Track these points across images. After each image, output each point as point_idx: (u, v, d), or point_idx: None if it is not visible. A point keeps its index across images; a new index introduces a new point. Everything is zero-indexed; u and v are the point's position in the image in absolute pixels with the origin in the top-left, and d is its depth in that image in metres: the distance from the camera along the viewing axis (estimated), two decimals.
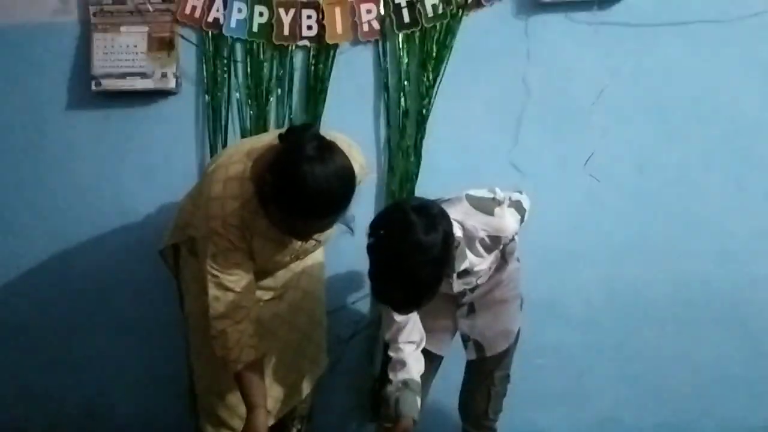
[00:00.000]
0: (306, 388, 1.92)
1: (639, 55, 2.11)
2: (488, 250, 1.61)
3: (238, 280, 1.60)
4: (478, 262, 1.61)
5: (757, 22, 2.02)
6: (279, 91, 2.19)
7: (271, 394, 1.78)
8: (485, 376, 1.82)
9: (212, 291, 1.60)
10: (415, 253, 1.37)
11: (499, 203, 1.58)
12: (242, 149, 1.63)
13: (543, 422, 2.27)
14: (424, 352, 1.73)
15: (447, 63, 2.14)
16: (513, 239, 1.67)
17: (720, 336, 2.22)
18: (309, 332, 1.90)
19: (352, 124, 2.17)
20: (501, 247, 1.64)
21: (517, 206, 1.64)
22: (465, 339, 1.81)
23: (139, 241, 2.22)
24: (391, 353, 1.68)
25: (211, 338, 1.62)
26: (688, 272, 2.21)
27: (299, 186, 1.42)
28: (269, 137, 1.65)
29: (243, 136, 2.18)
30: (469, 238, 1.55)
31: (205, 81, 2.20)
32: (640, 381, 2.26)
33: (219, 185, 1.57)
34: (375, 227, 1.45)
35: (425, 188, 2.11)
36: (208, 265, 1.59)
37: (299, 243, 1.69)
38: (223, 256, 1.58)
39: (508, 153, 2.17)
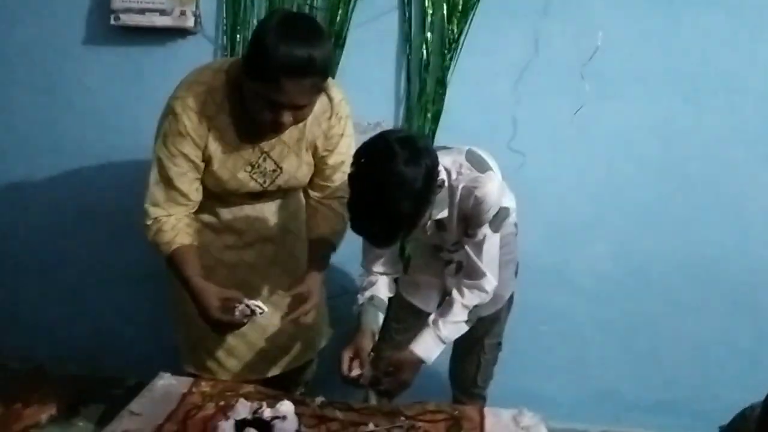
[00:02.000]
0: (304, 355, 1.86)
1: (672, 21, 2.03)
2: (464, 220, 1.55)
3: (181, 172, 1.54)
4: (456, 232, 1.58)
5: None
6: None
7: (260, 350, 1.76)
8: (475, 342, 1.77)
9: (154, 176, 1.56)
10: (395, 184, 1.33)
11: (493, 172, 1.54)
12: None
13: (542, 389, 2.26)
14: (412, 307, 1.72)
15: (473, 18, 2.07)
16: (483, 214, 1.53)
17: (729, 317, 2.19)
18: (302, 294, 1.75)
19: (370, 74, 2.15)
20: (467, 219, 1.54)
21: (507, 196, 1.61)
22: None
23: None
24: (363, 276, 1.68)
25: (143, 226, 1.57)
26: (703, 249, 2.16)
27: (262, 39, 1.37)
28: None
29: None
30: (452, 188, 1.50)
31: (225, 21, 2.16)
32: (644, 356, 2.25)
33: (194, 72, 1.56)
34: (357, 155, 1.41)
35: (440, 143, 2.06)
36: (157, 147, 1.55)
37: (261, 153, 1.59)
38: (173, 140, 1.52)
39: (526, 113, 2.12)
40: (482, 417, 1.55)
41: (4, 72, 2.31)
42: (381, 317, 1.65)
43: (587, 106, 2.08)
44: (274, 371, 1.81)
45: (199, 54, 2.15)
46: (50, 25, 2.24)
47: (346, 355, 1.58)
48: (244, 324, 1.52)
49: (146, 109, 2.18)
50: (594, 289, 2.22)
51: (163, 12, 2.13)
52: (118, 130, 2.27)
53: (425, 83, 2.13)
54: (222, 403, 1.55)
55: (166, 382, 1.66)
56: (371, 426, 1.49)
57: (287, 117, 1.44)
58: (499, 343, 1.84)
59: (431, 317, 1.61)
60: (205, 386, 1.64)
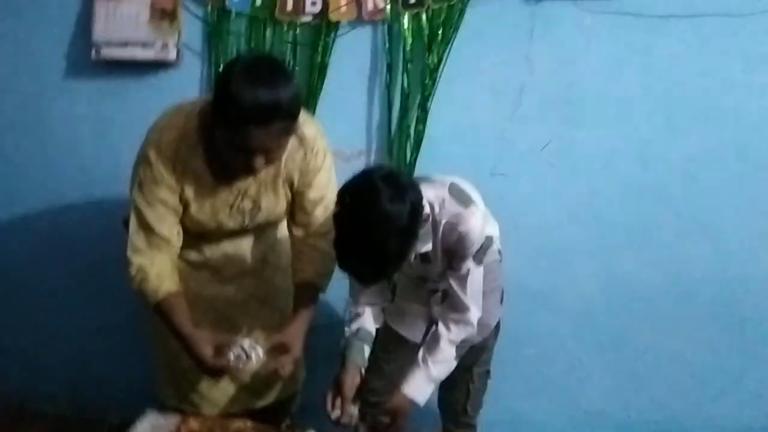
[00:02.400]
0: (284, 388, 1.84)
1: (646, 46, 2.07)
2: (448, 254, 1.56)
3: (161, 218, 1.54)
4: (440, 264, 1.59)
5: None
6: None
7: (241, 385, 1.74)
8: (464, 371, 1.76)
9: (133, 224, 1.55)
10: (379, 222, 1.33)
11: (476, 206, 1.55)
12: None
13: (531, 413, 2.26)
14: (399, 336, 1.72)
15: (452, 45, 2.10)
16: (467, 249, 1.54)
17: (714, 335, 2.21)
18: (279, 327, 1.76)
19: (351, 105, 2.17)
20: (451, 253, 1.55)
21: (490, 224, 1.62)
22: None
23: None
24: (350, 307, 1.68)
25: (127, 275, 1.56)
26: (684, 269, 2.19)
27: (227, 85, 1.37)
28: None
29: None
30: (435, 223, 1.51)
31: (207, 54, 2.17)
32: (631, 376, 2.25)
33: (165, 116, 1.55)
34: (341, 194, 1.41)
35: (422, 174, 2.08)
36: (134, 194, 1.55)
37: (239, 194, 1.58)
38: (150, 188, 1.52)
39: (509, 140, 2.15)
40: None
41: None
42: (367, 350, 1.64)
43: (568, 131, 2.13)
44: (258, 404, 1.79)
45: (181, 87, 2.16)
46: (30, 59, 2.24)
47: (330, 395, 1.57)
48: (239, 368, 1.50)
49: (127, 142, 2.17)
50: (579, 311, 2.23)
51: (145, 45, 2.13)
52: (98, 163, 2.27)
53: (406, 111, 2.15)
54: None
55: (153, 422, 1.63)
56: None
57: (259, 161, 1.44)
58: (488, 371, 1.84)
59: (420, 354, 1.60)
60: (193, 423, 1.61)
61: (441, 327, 1.59)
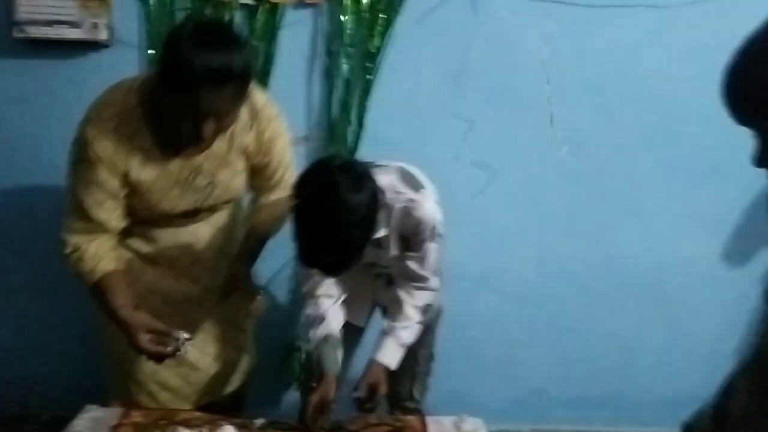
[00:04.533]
0: (236, 380, 1.80)
1: (582, 34, 2.14)
2: (402, 239, 1.57)
3: (97, 202, 1.45)
4: (392, 250, 1.58)
5: (699, 10, 2.07)
6: None
7: (192, 381, 1.70)
8: (408, 355, 1.72)
9: (68, 206, 1.48)
10: (343, 213, 1.33)
11: (427, 190, 1.56)
12: None
13: (473, 393, 2.31)
14: (345, 323, 1.71)
15: (393, 30, 2.10)
16: (425, 233, 1.56)
17: (643, 313, 2.33)
18: (233, 318, 1.76)
19: (292, 89, 2.14)
20: (408, 237, 1.56)
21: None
22: (384, 311, 1.76)
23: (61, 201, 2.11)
24: (308, 308, 1.64)
25: (62, 255, 1.49)
26: (616, 251, 2.29)
27: (176, 48, 1.31)
28: None
29: None
30: (388, 208, 1.51)
31: (143, 35, 2.08)
32: (568, 354, 2.35)
33: (103, 94, 1.47)
34: (300, 187, 1.39)
35: (366, 159, 2.08)
36: (70, 176, 1.47)
37: (192, 171, 1.51)
38: (85, 168, 1.43)
39: (450, 126, 2.17)
40: (425, 426, 1.56)
41: None
42: (340, 355, 1.61)
43: (506, 116, 2.18)
44: (206, 399, 1.74)
45: (115, 68, 2.03)
46: None
47: (312, 404, 1.53)
48: (176, 354, 1.47)
49: (57, 127, 2.10)
50: (519, 293, 2.30)
51: (73, 24, 2.02)
52: (23, 148, 2.15)
53: (348, 97, 2.14)
54: None
55: (93, 415, 1.56)
56: None
57: (209, 128, 1.36)
58: (432, 354, 1.85)
59: (385, 324, 1.63)
60: (137, 416, 1.55)
61: (403, 294, 1.61)
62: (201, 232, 1.66)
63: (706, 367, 1.64)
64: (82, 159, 1.44)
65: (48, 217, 2.08)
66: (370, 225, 1.40)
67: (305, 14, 2.11)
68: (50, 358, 2.32)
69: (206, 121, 1.35)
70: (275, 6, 2.08)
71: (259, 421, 1.55)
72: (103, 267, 1.47)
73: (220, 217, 1.69)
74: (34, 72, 2.11)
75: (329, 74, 2.14)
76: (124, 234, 1.58)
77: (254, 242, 1.69)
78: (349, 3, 2.08)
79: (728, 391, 0.94)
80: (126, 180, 1.47)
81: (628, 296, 2.32)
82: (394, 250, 1.58)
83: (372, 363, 1.61)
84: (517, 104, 2.17)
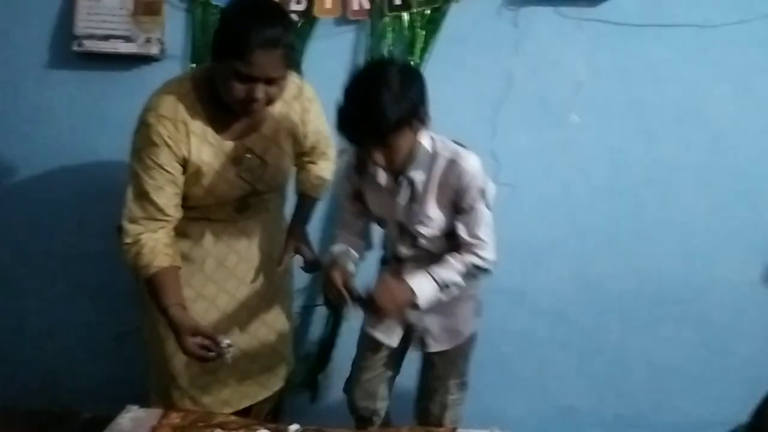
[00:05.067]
0: (274, 384, 1.86)
1: (622, 53, 2.14)
2: (443, 193, 1.57)
3: (157, 185, 1.53)
4: (435, 210, 1.58)
5: (739, 30, 2.06)
6: None
7: (232, 384, 1.76)
8: (439, 384, 1.76)
9: (129, 191, 1.55)
10: (378, 83, 1.42)
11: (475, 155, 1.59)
12: None
13: (504, 409, 2.31)
14: (375, 341, 1.74)
15: (432, 48, 2.13)
16: (472, 191, 1.55)
17: (680, 334, 2.29)
18: (276, 326, 1.84)
19: (329, 103, 2.16)
20: (454, 196, 1.56)
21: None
22: (411, 329, 1.74)
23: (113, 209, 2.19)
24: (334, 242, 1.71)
25: (121, 244, 1.55)
26: (654, 269, 2.26)
27: (231, 19, 1.47)
28: None
29: None
30: (432, 154, 1.56)
31: (190, 49, 2.17)
32: (601, 373, 2.33)
33: (159, 88, 1.58)
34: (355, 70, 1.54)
35: None
36: (132, 162, 1.55)
37: (245, 150, 1.61)
38: (148, 151, 1.52)
39: (487, 142, 2.18)
40: None
41: None
42: (353, 267, 1.65)
43: (544, 134, 2.18)
44: (245, 403, 1.80)
45: (164, 79, 2.14)
46: (11, 50, 2.21)
47: (336, 275, 1.56)
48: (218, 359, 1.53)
49: (107, 135, 2.20)
50: (553, 310, 2.30)
51: (127, 39, 2.12)
52: (77, 155, 2.25)
53: None
54: None
55: (134, 415, 1.62)
56: None
57: (260, 92, 1.47)
58: (465, 383, 1.82)
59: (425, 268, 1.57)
60: (175, 418, 1.61)
61: (450, 253, 1.58)
62: (249, 230, 1.74)
63: (743, 391, 1.60)
64: (144, 144, 1.53)
65: (96, 224, 2.21)
66: (403, 103, 1.43)
67: (347, 29, 2.16)
68: (93, 358, 2.41)
69: (257, 85, 1.47)
70: (317, 21, 2.13)
71: (294, 427, 1.58)
72: (159, 262, 1.53)
73: (267, 217, 1.77)
74: (89, 83, 2.21)
75: None
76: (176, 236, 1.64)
77: (306, 205, 1.85)
78: (390, 20, 2.12)
79: (763, 412, 0.94)
80: (185, 163, 1.56)
81: (665, 316, 2.29)
82: (432, 208, 1.57)
83: (401, 281, 1.55)
84: (555, 122, 2.18)
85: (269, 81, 1.48)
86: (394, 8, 2.11)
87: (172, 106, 1.53)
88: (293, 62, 1.55)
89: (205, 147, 1.57)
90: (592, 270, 2.27)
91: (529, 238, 2.25)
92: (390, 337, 1.77)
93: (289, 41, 1.49)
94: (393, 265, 1.72)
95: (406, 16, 2.12)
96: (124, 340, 2.25)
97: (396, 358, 1.82)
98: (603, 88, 2.15)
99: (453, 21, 2.13)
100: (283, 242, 1.81)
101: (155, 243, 1.54)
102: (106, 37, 2.12)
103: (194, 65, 2.15)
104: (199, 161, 1.56)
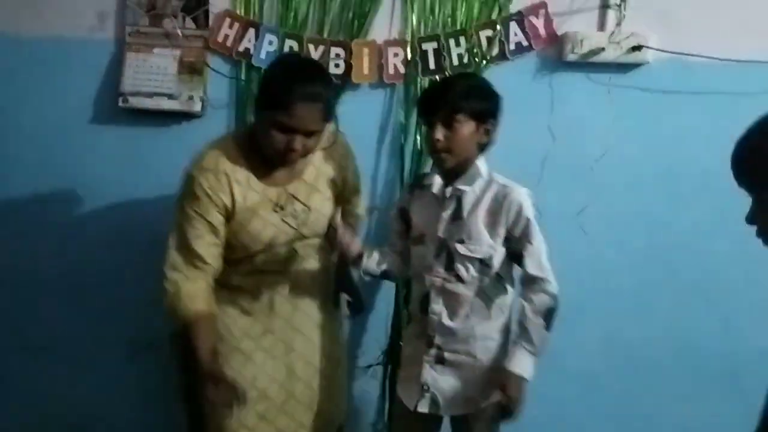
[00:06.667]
0: (335, 420, 1.88)
1: (653, 119, 2.16)
2: (491, 218, 1.63)
3: (197, 235, 1.60)
4: (478, 230, 1.64)
5: None
6: None
7: (298, 420, 1.78)
8: None
9: (172, 240, 1.63)
10: (471, 75, 1.84)
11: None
12: None
13: None
14: (405, 409, 1.74)
15: None
16: (525, 221, 1.64)
17: (717, 405, 2.22)
18: (331, 375, 1.85)
19: (366, 164, 2.21)
20: (506, 224, 1.63)
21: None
22: (424, 389, 1.71)
23: (157, 263, 2.23)
24: None
25: (161, 291, 1.62)
26: (689, 337, 2.22)
27: (275, 74, 1.59)
28: None
29: None
30: (489, 181, 1.65)
31: (232, 107, 2.25)
32: None
33: (203, 146, 1.67)
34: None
35: None
36: (176, 213, 1.63)
37: (287, 195, 1.68)
38: (189, 202, 1.60)
39: None
40: None
41: (11, 151, 2.34)
42: (376, 257, 1.76)
43: (576, 198, 2.19)
44: None
45: (205, 137, 2.18)
46: (59, 106, 2.30)
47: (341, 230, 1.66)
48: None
49: (148, 190, 2.26)
50: (584, 375, 2.25)
51: (171, 96, 2.20)
52: (120, 211, 2.31)
53: (418, 170, 2.21)
54: None
55: None
56: None
57: (299, 143, 1.55)
58: None
59: (512, 337, 1.67)
60: None
61: (523, 303, 1.65)
62: (298, 276, 1.77)
63: None
64: (187, 195, 1.61)
65: (134, 273, 2.25)
66: (482, 99, 1.65)
67: (380, 91, 2.22)
68: (129, 409, 2.40)
69: (297, 135, 1.55)
70: (354, 85, 2.19)
71: None
72: (196, 306, 1.59)
73: (314, 263, 1.80)
74: (134, 138, 2.29)
75: (401, 149, 2.23)
76: (222, 293, 1.69)
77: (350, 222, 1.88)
78: (426, 81, 2.17)
79: None
80: (229, 212, 1.62)
81: (701, 386, 2.23)
82: (476, 228, 1.62)
83: (504, 373, 1.60)
84: (588, 186, 2.19)
85: (308, 133, 1.56)
86: (428, 72, 2.17)
87: (213, 159, 1.61)
88: (331, 117, 1.63)
89: (250, 193, 1.64)
90: (624, 335, 2.24)
91: (560, 300, 2.21)
92: (410, 399, 1.74)
93: (328, 97, 1.58)
94: (417, 320, 1.75)
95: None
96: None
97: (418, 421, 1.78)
98: (635, 153, 2.17)
99: None
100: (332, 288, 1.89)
101: (194, 288, 1.60)
102: (151, 95, 2.21)
103: (235, 121, 2.23)
104: (245, 207, 1.64)
